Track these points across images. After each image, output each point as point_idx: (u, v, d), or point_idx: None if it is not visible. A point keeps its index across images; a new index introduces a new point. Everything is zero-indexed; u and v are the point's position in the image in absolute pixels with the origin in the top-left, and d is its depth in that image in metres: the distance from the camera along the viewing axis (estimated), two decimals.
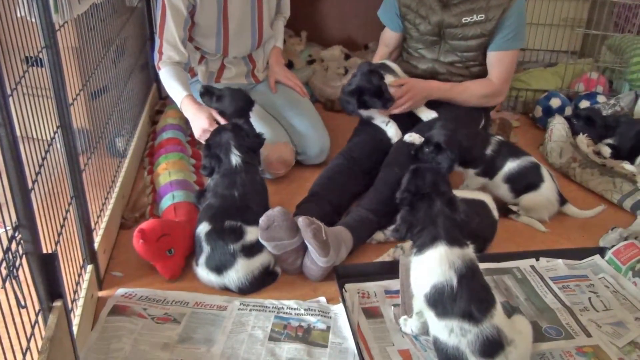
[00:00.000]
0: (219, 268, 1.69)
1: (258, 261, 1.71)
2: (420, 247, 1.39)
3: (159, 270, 1.73)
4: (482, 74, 2.36)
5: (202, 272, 1.72)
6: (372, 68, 2.20)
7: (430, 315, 1.37)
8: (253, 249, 1.71)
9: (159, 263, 1.73)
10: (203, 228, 1.73)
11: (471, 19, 2.23)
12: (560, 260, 1.87)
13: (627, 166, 2.36)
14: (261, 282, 1.73)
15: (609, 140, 2.51)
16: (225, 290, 1.71)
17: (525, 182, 2.09)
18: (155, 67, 2.33)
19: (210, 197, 1.83)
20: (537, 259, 1.87)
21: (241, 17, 2.39)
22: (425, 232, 1.38)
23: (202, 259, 1.71)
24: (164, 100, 2.92)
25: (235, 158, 1.85)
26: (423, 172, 1.47)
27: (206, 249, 1.71)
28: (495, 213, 1.96)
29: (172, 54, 2.27)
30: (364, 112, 2.25)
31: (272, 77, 2.57)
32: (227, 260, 1.68)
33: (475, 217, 1.85)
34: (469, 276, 1.34)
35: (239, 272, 1.68)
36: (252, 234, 1.72)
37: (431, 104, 2.30)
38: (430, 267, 1.35)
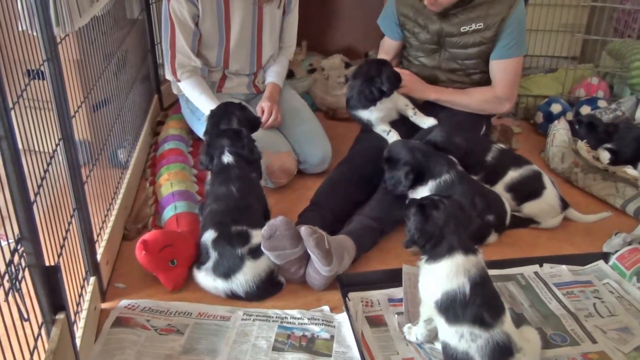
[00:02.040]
0: (227, 273, 1.69)
1: (264, 263, 1.72)
2: (435, 256, 1.38)
3: (161, 281, 1.73)
4: (483, 81, 2.36)
5: (208, 278, 1.72)
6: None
7: (440, 322, 1.37)
8: (259, 251, 1.72)
9: (162, 274, 1.73)
10: (209, 235, 1.74)
11: (470, 27, 2.23)
12: (564, 266, 1.86)
13: (629, 171, 2.35)
14: (267, 287, 1.73)
15: (609, 145, 2.51)
16: (230, 297, 1.71)
17: (527, 190, 2.08)
18: (172, 80, 2.42)
19: (210, 202, 1.83)
20: (541, 265, 1.87)
21: (241, 30, 2.41)
22: (443, 242, 1.37)
23: (209, 266, 1.71)
24: (165, 111, 2.93)
25: (227, 157, 1.88)
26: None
27: (213, 255, 1.71)
28: (507, 206, 2.02)
29: (187, 63, 2.34)
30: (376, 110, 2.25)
31: (259, 105, 2.47)
32: (235, 264, 1.69)
33: (477, 198, 1.90)
34: (481, 283, 1.34)
35: (247, 274, 1.69)
36: (257, 237, 1.73)
37: (431, 111, 2.30)
38: (446, 275, 1.35)
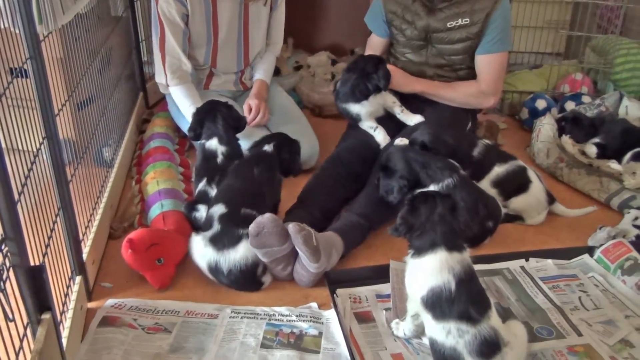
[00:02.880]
0: (220, 246, 1.72)
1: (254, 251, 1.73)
2: (419, 251, 1.39)
3: (148, 280, 1.72)
4: (470, 77, 2.38)
5: (200, 244, 1.74)
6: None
7: (427, 318, 1.37)
8: None
9: (149, 273, 1.72)
10: (218, 209, 1.77)
11: (456, 23, 2.24)
12: (549, 261, 1.88)
13: (613, 165, 2.38)
14: (249, 277, 1.73)
15: (596, 140, 2.53)
16: (212, 272, 1.73)
17: (513, 185, 2.10)
18: (163, 83, 2.40)
19: (231, 178, 1.87)
20: (527, 260, 1.88)
21: (229, 28, 2.40)
22: (425, 236, 1.38)
23: (208, 234, 1.74)
24: (151, 109, 2.91)
25: (268, 147, 1.97)
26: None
27: (216, 227, 1.74)
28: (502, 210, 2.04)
29: (177, 67, 2.32)
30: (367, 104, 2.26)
31: (246, 102, 2.47)
32: (231, 241, 1.72)
33: (481, 207, 1.91)
34: (466, 280, 1.34)
35: (238, 253, 1.70)
36: None
37: (417, 107, 2.31)
38: (429, 271, 1.35)
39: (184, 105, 2.36)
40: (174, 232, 1.82)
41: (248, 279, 1.74)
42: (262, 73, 2.58)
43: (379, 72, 2.18)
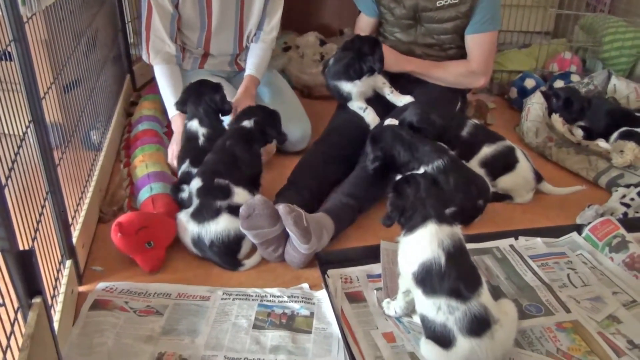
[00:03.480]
0: (201, 220, 1.75)
1: (236, 224, 1.74)
2: (411, 228, 1.40)
3: (139, 263, 1.72)
4: (459, 57, 2.37)
5: (183, 219, 1.80)
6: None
7: (417, 294, 1.38)
8: (238, 210, 1.73)
9: (139, 256, 1.72)
10: (195, 184, 1.82)
11: (445, 1, 2.23)
12: (538, 239, 1.89)
13: (601, 144, 2.39)
14: (230, 252, 1.76)
15: (582, 123, 2.54)
16: (195, 244, 1.77)
17: (500, 165, 2.11)
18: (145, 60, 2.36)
19: (209, 154, 1.90)
20: (516, 238, 1.90)
21: (222, 14, 2.35)
22: (416, 213, 1.39)
23: (190, 210, 1.80)
24: (138, 91, 2.89)
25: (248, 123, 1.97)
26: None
27: (196, 202, 1.79)
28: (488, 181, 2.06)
29: (161, 48, 2.28)
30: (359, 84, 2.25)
31: (235, 103, 2.29)
32: (210, 215, 1.75)
33: (473, 187, 1.93)
34: (457, 255, 1.35)
35: (219, 225, 1.73)
36: (239, 195, 1.79)
37: (406, 88, 2.30)
38: (420, 244, 1.37)
39: (160, 84, 2.32)
40: (163, 215, 1.82)
41: (230, 252, 1.76)
42: (252, 68, 2.41)
43: (375, 55, 2.17)
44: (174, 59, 2.32)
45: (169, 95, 2.28)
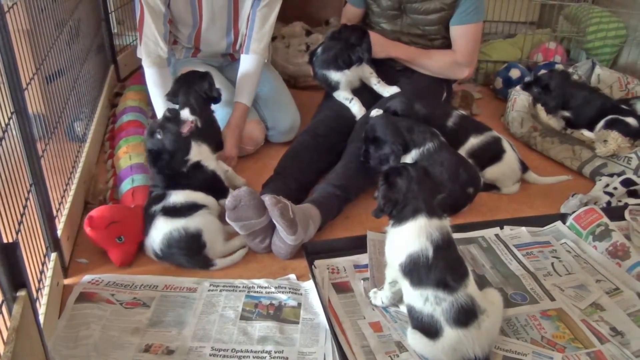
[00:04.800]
0: (145, 231, 1.74)
1: (179, 223, 1.70)
2: (400, 220, 1.40)
3: (110, 257, 1.71)
4: (445, 47, 2.38)
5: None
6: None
7: (405, 284, 1.39)
8: (176, 210, 1.72)
9: (109, 250, 1.71)
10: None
11: None
12: (523, 228, 1.91)
13: (586, 133, 2.41)
14: (192, 251, 1.71)
15: (565, 113, 2.55)
16: (160, 258, 1.72)
17: (487, 156, 2.12)
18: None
19: None
20: (502, 228, 1.91)
21: (213, 15, 2.30)
22: (408, 206, 1.39)
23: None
24: (122, 82, 2.86)
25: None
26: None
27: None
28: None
29: (153, 50, 2.20)
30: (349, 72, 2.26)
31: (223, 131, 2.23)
32: (148, 222, 1.74)
33: (464, 172, 1.94)
34: (444, 247, 1.36)
35: (157, 229, 1.71)
36: (175, 195, 1.74)
37: (392, 78, 2.30)
38: (409, 237, 1.37)
39: (150, 87, 2.23)
40: (137, 209, 1.79)
41: (193, 252, 1.71)
42: (245, 96, 2.26)
43: (363, 45, 2.18)
44: (165, 62, 2.25)
45: (158, 98, 2.21)
